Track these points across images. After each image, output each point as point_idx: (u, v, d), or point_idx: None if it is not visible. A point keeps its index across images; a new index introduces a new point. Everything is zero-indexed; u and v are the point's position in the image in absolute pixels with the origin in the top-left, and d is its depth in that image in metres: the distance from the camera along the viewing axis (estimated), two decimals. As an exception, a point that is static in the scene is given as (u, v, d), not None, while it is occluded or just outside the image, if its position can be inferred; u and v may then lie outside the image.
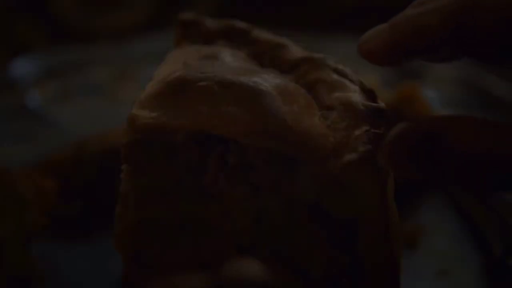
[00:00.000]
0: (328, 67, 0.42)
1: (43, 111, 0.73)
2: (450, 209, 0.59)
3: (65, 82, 0.77)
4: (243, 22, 0.47)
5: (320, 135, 0.38)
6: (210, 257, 0.39)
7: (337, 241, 0.39)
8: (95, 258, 0.54)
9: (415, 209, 0.59)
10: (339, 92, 0.41)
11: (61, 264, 0.54)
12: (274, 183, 0.39)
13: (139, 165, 0.39)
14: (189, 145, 0.39)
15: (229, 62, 0.43)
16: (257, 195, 0.39)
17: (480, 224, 0.56)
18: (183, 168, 0.39)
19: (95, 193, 0.58)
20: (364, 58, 0.39)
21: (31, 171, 0.52)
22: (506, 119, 0.53)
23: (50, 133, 0.69)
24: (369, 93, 0.41)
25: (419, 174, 0.35)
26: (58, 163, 0.58)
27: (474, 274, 0.52)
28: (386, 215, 0.39)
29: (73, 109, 0.73)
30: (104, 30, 0.89)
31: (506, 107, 0.69)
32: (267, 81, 0.40)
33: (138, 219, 0.40)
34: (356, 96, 0.41)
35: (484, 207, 0.57)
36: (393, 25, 0.38)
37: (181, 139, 0.38)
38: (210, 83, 0.39)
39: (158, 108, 0.39)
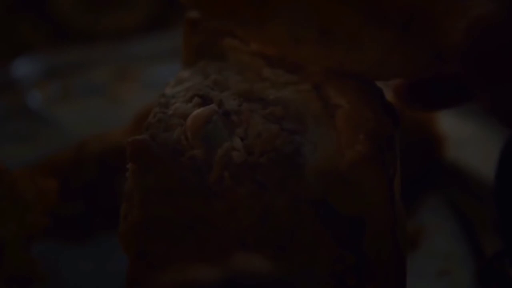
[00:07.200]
0: None
1: (44, 111, 0.73)
2: (450, 209, 0.59)
3: (65, 82, 0.77)
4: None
5: None
6: (214, 256, 0.39)
7: (342, 240, 0.39)
8: (96, 258, 0.54)
9: (415, 209, 0.59)
10: (346, 91, 0.41)
11: (61, 264, 0.54)
12: (280, 181, 0.39)
13: (144, 164, 0.39)
14: (194, 143, 0.39)
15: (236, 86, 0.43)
16: (263, 193, 0.39)
17: (475, 225, 0.56)
18: (188, 167, 0.39)
19: (95, 193, 0.58)
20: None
21: (31, 171, 0.52)
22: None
23: (50, 133, 0.69)
24: (376, 92, 0.42)
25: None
26: (58, 163, 0.58)
27: (475, 274, 0.52)
28: (392, 213, 0.39)
29: (73, 109, 0.73)
30: (104, 30, 0.89)
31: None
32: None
33: (143, 218, 0.40)
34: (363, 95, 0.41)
35: (480, 206, 0.57)
36: None
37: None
38: None
39: None
